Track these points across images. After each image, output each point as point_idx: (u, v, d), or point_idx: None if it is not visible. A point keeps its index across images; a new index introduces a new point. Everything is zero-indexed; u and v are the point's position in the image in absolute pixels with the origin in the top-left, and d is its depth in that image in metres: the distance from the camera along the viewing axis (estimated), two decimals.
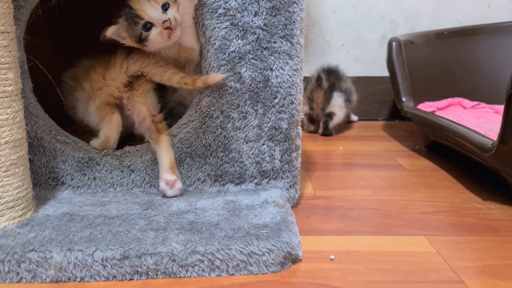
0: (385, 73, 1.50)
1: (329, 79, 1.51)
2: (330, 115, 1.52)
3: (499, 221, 0.86)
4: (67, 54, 1.00)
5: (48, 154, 0.86)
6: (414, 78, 1.40)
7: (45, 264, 0.64)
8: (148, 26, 0.80)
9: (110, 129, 0.87)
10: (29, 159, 0.78)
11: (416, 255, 0.73)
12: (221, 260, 0.66)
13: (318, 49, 1.74)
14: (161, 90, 0.94)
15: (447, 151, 1.24)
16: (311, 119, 1.57)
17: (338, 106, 1.52)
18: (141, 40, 0.81)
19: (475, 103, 1.45)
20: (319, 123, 1.56)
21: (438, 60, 1.52)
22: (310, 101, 1.53)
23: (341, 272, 0.68)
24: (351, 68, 1.67)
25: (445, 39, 1.54)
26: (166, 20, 0.78)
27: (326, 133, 1.53)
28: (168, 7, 0.80)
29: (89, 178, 0.87)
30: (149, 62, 0.86)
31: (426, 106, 1.38)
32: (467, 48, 1.54)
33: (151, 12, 0.79)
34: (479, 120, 1.28)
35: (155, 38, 0.80)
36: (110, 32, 0.81)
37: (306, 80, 1.54)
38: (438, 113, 1.34)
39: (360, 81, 1.64)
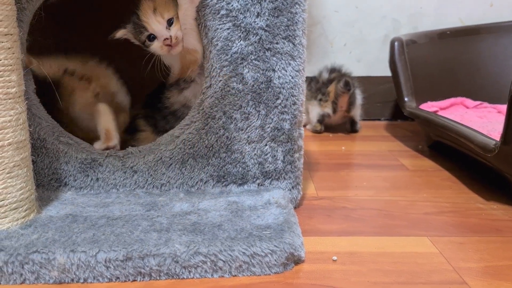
0: (387, 73, 1.50)
1: (353, 83, 1.50)
2: (353, 123, 1.56)
3: (502, 222, 0.86)
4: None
5: (51, 155, 0.86)
6: (416, 78, 1.40)
7: (48, 266, 0.65)
8: (152, 36, 0.85)
9: (104, 120, 0.89)
10: (32, 161, 0.78)
11: (419, 256, 0.73)
12: (223, 261, 0.66)
13: (320, 49, 1.74)
14: (164, 91, 0.94)
15: (450, 151, 1.24)
16: (321, 120, 1.54)
17: (358, 105, 1.54)
18: (145, 46, 0.87)
19: (477, 102, 1.45)
20: (334, 125, 1.59)
21: (441, 60, 1.51)
22: (335, 104, 1.49)
23: (344, 273, 0.68)
24: (353, 68, 1.67)
25: (448, 38, 1.53)
26: (167, 38, 0.82)
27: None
28: (173, 22, 0.83)
29: (92, 179, 0.87)
30: (76, 65, 0.95)
31: (429, 106, 1.38)
32: (470, 47, 1.54)
33: (155, 26, 0.83)
34: (482, 120, 1.28)
35: (156, 49, 0.85)
36: (119, 34, 0.88)
37: (317, 81, 1.55)
38: (440, 113, 1.33)
39: (363, 81, 1.64)
